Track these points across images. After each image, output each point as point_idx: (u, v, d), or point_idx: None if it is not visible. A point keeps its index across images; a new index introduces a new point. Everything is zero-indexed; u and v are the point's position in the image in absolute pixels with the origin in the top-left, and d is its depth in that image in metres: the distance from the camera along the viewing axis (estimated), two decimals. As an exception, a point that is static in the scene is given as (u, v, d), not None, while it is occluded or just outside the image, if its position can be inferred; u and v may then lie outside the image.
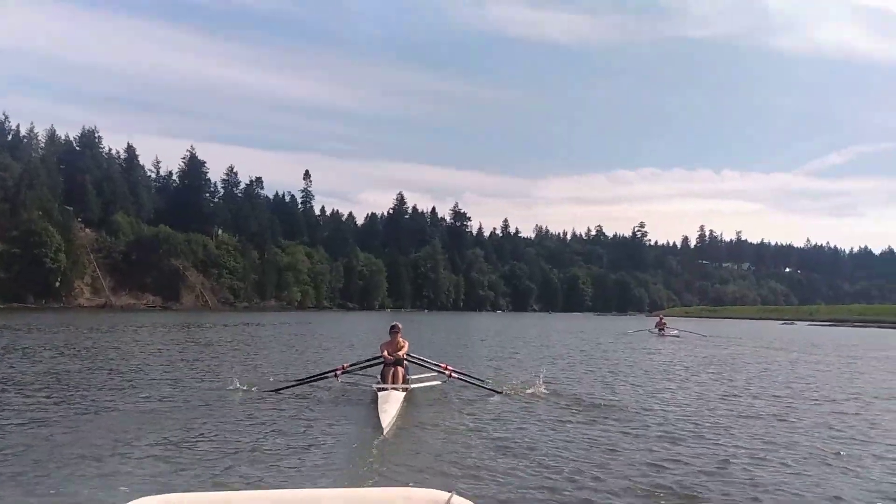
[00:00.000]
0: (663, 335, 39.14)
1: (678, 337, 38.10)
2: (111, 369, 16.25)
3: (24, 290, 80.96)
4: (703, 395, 13.70)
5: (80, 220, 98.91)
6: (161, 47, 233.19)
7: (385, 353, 12.56)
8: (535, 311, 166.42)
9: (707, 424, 10.27)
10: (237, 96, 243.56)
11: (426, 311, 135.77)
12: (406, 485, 4.10)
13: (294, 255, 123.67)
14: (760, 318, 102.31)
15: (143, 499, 2.87)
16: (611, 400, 12.59)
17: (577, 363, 20.55)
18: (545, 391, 13.02)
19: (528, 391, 13.00)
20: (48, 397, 11.69)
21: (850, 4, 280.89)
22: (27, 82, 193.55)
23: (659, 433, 9.50)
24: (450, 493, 2.95)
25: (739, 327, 62.89)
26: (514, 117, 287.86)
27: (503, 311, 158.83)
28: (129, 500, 2.87)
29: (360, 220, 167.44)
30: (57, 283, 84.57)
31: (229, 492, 3.67)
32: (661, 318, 42.70)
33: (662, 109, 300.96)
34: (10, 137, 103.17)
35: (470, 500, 3.01)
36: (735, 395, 13.64)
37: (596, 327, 54.08)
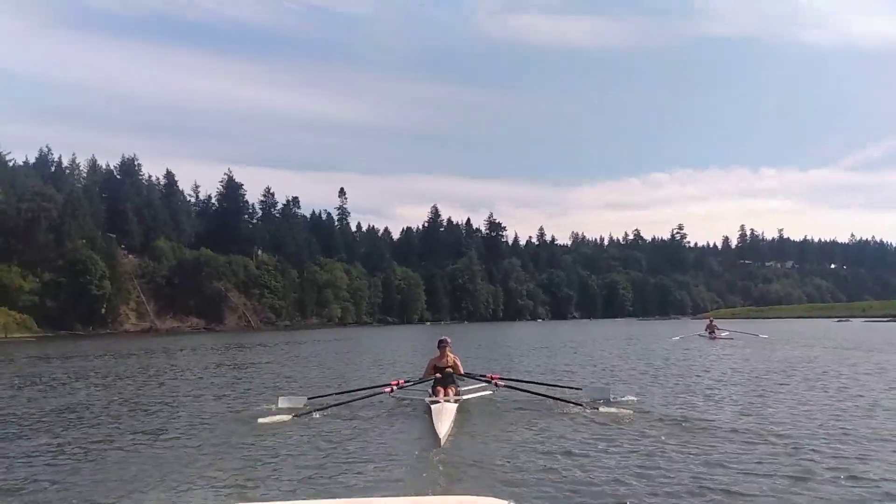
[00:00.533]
0: (714, 338, 37.99)
1: (731, 339, 36.95)
2: (161, 391, 16.57)
3: (71, 317, 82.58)
4: (807, 409, 11.47)
5: (122, 246, 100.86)
6: (193, 73, 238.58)
7: (433, 369, 12.86)
8: (574, 318, 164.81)
9: (835, 452, 8.05)
10: (270, 119, 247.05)
11: (465, 322, 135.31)
12: (466, 494, 3.92)
13: (332, 272, 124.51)
14: (810, 317, 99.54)
15: None
16: (689, 413, 11.23)
17: (640, 373, 18.96)
18: (612, 402, 12.15)
19: (590, 401, 12.15)
20: (109, 419, 11.96)
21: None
22: (67, 113, 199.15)
23: (778, 463, 7.60)
24: (507, 502, 2.95)
25: (793, 327, 60.31)
26: (544, 126, 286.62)
27: (543, 319, 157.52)
28: None
29: (395, 235, 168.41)
30: (103, 310, 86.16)
31: (293, 502, 3.69)
32: (711, 321, 41.36)
33: (693, 109, 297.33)
34: (52, 169, 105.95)
35: None
36: (846, 409, 11.47)
37: (643, 333, 52.76)
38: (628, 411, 11.16)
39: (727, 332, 39.49)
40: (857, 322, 72.29)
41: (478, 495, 3.45)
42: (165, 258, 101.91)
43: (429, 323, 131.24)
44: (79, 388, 17.56)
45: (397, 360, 26.33)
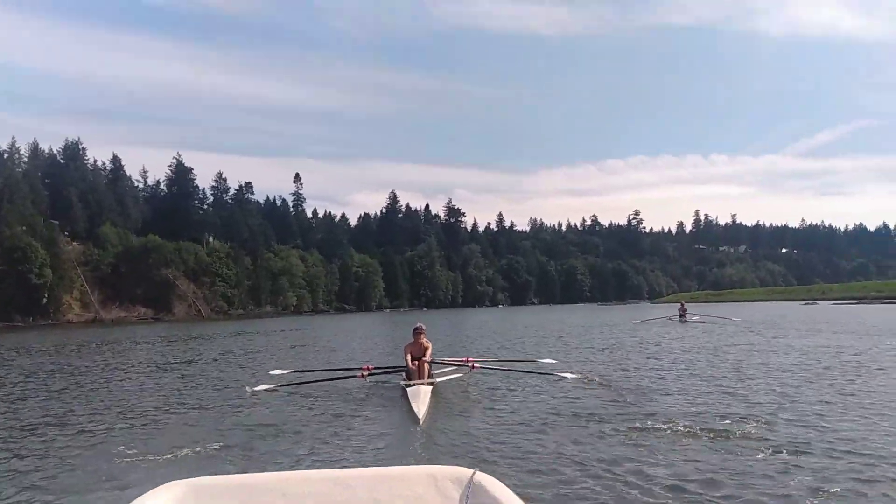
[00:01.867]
0: (685, 321, 36.99)
1: (703, 323, 35.79)
2: (126, 379, 16.45)
3: (9, 308, 77.86)
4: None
5: (66, 233, 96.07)
6: (142, 57, 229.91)
7: (409, 357, 12.58)
8: (534, 303, 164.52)
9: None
10: (222, 104, 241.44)
11: (424, 309, 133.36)
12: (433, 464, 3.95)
13: (287, 259, 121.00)
14: (770, 300, 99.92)
15: (171, 483, 3.00)
16: (687, 401, 10.49)
17: (618, 356, 18.29)
18: (590, 377, 12.73)
19: (569, 376, 12.75)
20: (73, 399, 12.44)
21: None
22: (6, 97, 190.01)
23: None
24: (473, 470, 3.12)
25: (761, 310, 58.85)
26: (501, 112, 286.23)
27: (502, 305, 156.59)
28: (158, 485, 3.04)
29: (353, 222, 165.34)
30: (44, 300, 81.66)
31: (257, 474, 3.61)
32: (682, 304, 40.48)
33: (648, 97, 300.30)
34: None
35: (494, 477, 3.16)
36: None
37: (607, 318, 51.10)
38: (571, 375, 12.45)
39: (697, 317, 38.53)
40: (825, 304, 71.40)
41: (445, 464, 3.49)
42: (111, 245, 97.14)
43: (388, 310, 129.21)
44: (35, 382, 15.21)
45: (367, 351, 24.33)
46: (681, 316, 37.80)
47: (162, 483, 3.02)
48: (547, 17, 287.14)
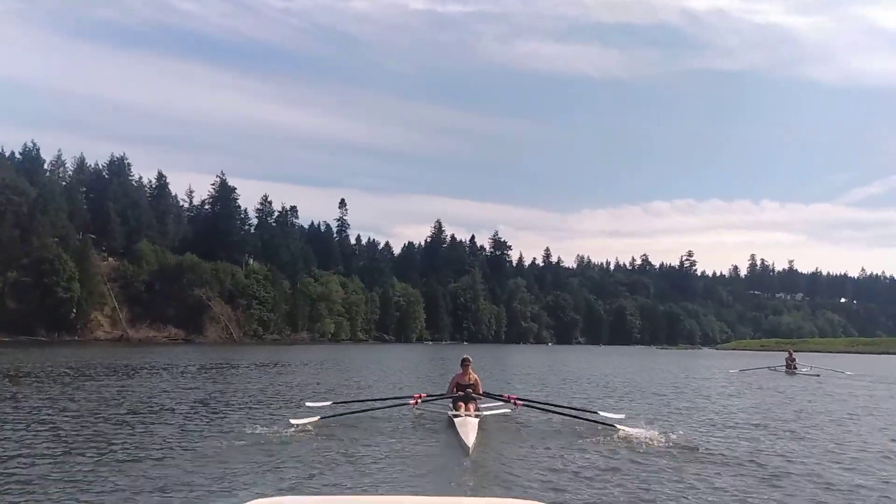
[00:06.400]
0: (794, 373, 31.08)
1: (817, 375, 29.68)
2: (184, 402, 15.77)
3: (35, 321, 74.42)
4: None
5: (103, 248, 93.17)
6: (194, 86, 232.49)
7: (456, 385, 12.80)
8: (580, 343, 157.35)
9: None
10: (271, 134, 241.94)
11: (465, 343, 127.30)
12: (499, 496, 3.99)
13: (327, 284, 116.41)
14: (854, 352, 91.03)
15: (257, 500, 3.07)
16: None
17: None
18: (627, 425, 11.53)
19: (607, 423, 11.82)
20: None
21: (884, 33, 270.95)
22: (62, 120, 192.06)
23: None
24: None
25: (869, 365, 47.36)
26: (546, 151, 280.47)
27: (549, 343, 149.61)
28: (244, 501, 3.12)
29: (396, 251, 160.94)
30: (71, 315, 78.14)
31: (336, 496, 3.73)
32: (790, 353, 34.22)
33: (696, 140, 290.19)
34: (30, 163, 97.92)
35: None
36: None
37: (677, 364, 44.24)
38: (643, 432, 10.95)
39: (808, 368, 32.42)
40: None
41: (514, 497, 3.49)
42: (146, 262, 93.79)
43: (429, 342, 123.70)
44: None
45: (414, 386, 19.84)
46: (788, 366, 31.83)
47: (248, 500, 3.02)
48: (594, 58, 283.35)
